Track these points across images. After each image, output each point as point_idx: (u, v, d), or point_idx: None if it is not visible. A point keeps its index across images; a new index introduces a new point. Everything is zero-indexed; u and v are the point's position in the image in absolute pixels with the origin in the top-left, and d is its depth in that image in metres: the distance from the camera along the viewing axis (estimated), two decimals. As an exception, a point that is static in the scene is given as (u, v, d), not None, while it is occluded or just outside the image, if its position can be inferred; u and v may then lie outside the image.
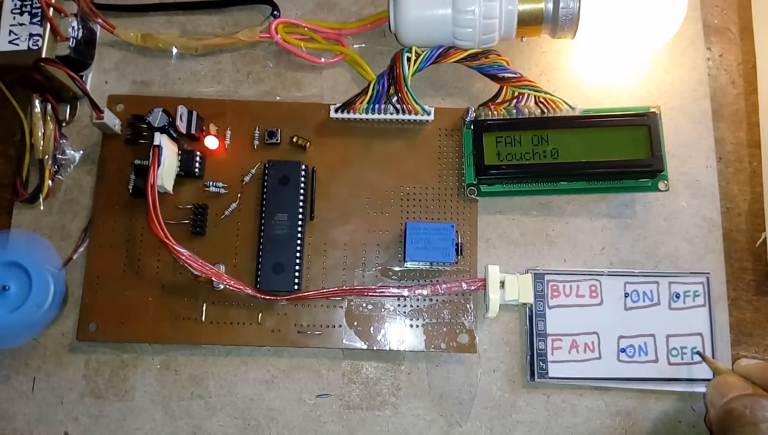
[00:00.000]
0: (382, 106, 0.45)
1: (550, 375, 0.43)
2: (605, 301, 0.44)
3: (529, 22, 0.45)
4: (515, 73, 0.45)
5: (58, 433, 0.43)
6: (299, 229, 0.44)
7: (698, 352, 0.43)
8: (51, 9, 0.44)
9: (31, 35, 0.44)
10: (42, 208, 0.46)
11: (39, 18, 0.44)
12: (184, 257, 0.41)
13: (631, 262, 0.45)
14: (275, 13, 0.49)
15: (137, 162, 0.44)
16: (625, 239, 0.46)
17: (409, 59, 0.45)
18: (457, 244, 0.43)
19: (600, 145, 0.43)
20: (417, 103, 0.45)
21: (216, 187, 0.45)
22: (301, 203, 0.44)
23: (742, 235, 0.47)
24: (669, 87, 0.48)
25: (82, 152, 0.47)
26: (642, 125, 0.43)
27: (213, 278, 0.42)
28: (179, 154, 0.45)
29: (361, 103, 0.45)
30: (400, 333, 0.44)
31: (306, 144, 0.46)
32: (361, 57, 0.48)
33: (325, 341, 0.43)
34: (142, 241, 0.45)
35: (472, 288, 0.43)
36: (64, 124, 0.47)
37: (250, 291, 0.42)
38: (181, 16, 0.50)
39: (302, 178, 0.44)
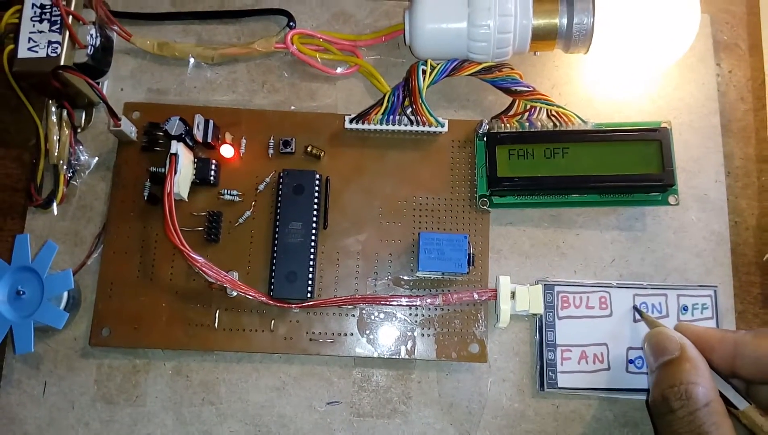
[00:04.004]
0: (397, 118, 0.46)
1: (559, 385, 0.43)
2: (614, 313, 0.45)
3: (543, 37, 0.45)
4: (528, 87, 0.46)
5: (69, 438, 0.43)
6: (313, 237, 0.44)
7: (634, 307, 0.44)
8: (70, 17, 0.44)
9: (50, 42, 0.44)
10: (56, 213, 0.47)
11: (58, 26, 0.44)
12: (199, 264, 0.41)
13: (640, 275, 0.46)
14: (291, 24, 0.49)
15: (153, 169, 0.45)
16: (634, 252, 0.46)
17: (424, 72, 0.45)
18: (469, 255, 0.43)
19: (612, 159, 0.44)
20: (431, 115, 0.45)
21: (231, 195, 0.46)
22: (314, 212, 0.44)
23: (749, 249, 0.47)
24: (679, 102, 0.49)
25: (96, 158, 0.47)
26: (653, 140, 0.44)
27: (226, 285, 0.42)
28: (195, 162, 0.45)
29: (376, 114, 0.46)
30: (411, 342, 0.44)
31: (320, 153, 0.46)
32: (376, 68, 0.49)
33: (337, 349, 0.44)
34: (156, 248, 0.45)
35: (484, 298, 0.44)
36: (79, 131, 0.48)
37: (263, 298, 0.43)
38: (197, 25, 0.50)
39: (316, 188, 0.45)
